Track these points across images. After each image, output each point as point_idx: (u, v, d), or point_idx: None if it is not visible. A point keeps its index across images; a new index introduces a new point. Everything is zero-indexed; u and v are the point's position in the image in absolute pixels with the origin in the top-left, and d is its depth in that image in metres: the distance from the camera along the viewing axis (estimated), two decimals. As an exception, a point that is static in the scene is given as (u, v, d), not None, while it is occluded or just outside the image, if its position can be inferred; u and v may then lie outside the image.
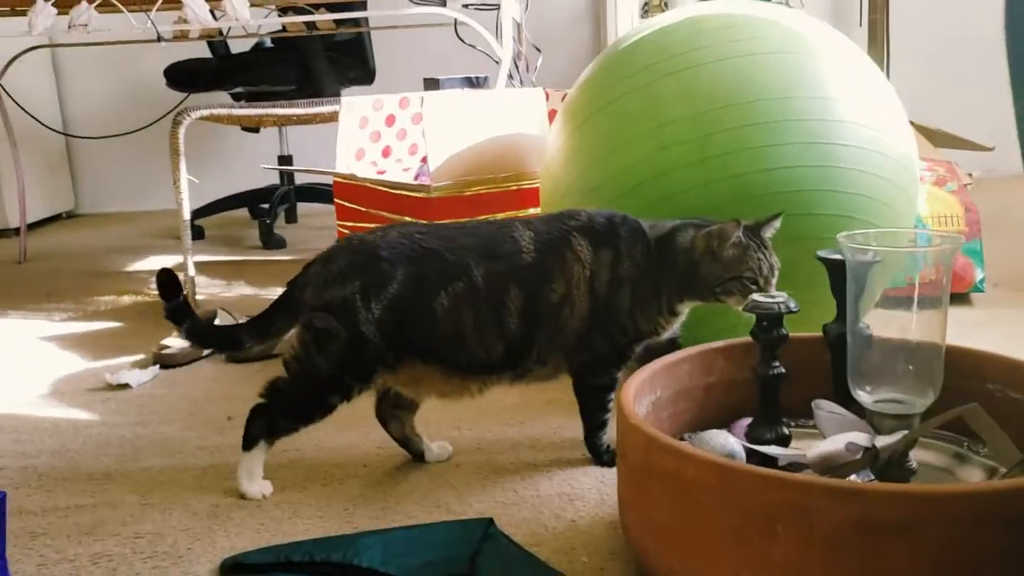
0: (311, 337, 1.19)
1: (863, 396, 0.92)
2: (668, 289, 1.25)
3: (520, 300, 1.20)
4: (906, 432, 0.87)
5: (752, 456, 0.97)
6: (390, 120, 2.14)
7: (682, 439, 1.14)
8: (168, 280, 1.24)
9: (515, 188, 1.90)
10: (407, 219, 1.83)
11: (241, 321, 2.03)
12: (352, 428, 1.47)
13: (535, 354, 1.24)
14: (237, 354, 1.86)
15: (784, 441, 0.99)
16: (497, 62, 2.57)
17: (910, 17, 3.44)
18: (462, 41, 2.68)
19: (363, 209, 1.92)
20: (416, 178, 2.20)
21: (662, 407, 1.12)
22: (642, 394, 1.07)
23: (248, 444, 1.23)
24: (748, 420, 1.09)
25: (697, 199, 1.39)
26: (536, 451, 1.37)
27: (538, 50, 2.76)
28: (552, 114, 2.03)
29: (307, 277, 1.21)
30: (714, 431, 1.05)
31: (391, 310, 1.17)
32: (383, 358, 1.19)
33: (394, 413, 1.33)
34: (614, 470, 1.24)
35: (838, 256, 1.01)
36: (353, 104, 2.06)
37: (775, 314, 0.96)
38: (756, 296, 0.98)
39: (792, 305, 0.96)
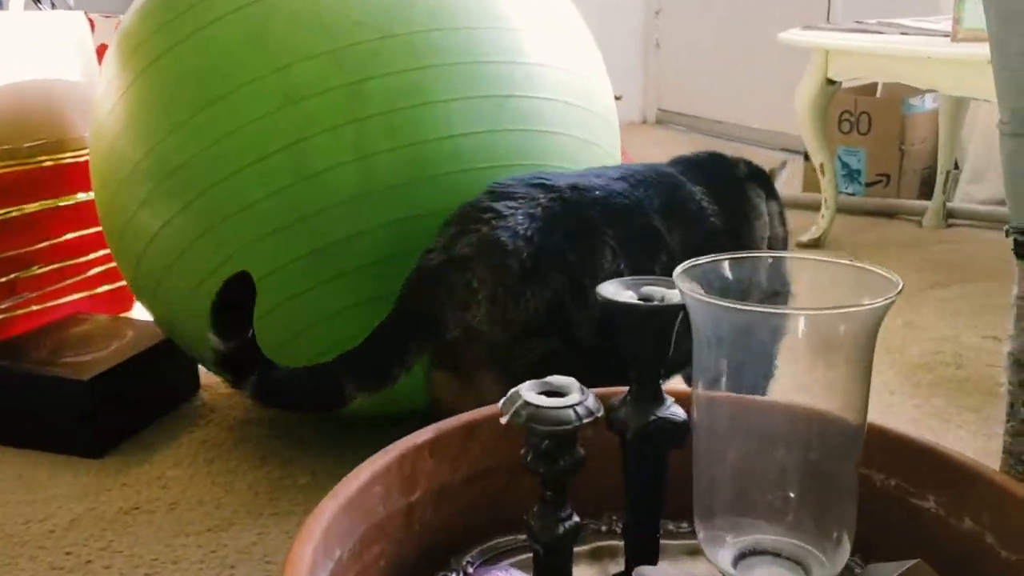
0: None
1: (722, 556, 0.51)
2: None
3: None
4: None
5: None
6: None
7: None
8: (236, 300, 0.75)
9: (51, 164, 1.26)
10: None
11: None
12: None
13: None
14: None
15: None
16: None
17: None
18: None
19: None
20: None
21: (345, 568, 0.63)
22: (317, 569, 0.58)
23: None
24: (502, 570, 0.64)
25: (350, 180, 0.91)
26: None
27: (75, -39, 2.02)
28: (101, 51, 1.40)
29: (449, 282, 0.80)
30: (447, 612, 0.58)
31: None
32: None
33: None
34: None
35: (636, 300, 0.58)
36: None
37: (570, 431, 0.50)
38: (525, 393, 0.51)
39: (593, 406, 0.51)
